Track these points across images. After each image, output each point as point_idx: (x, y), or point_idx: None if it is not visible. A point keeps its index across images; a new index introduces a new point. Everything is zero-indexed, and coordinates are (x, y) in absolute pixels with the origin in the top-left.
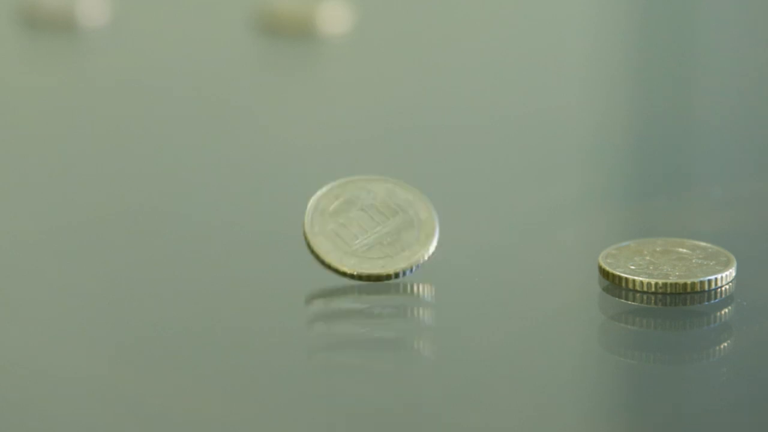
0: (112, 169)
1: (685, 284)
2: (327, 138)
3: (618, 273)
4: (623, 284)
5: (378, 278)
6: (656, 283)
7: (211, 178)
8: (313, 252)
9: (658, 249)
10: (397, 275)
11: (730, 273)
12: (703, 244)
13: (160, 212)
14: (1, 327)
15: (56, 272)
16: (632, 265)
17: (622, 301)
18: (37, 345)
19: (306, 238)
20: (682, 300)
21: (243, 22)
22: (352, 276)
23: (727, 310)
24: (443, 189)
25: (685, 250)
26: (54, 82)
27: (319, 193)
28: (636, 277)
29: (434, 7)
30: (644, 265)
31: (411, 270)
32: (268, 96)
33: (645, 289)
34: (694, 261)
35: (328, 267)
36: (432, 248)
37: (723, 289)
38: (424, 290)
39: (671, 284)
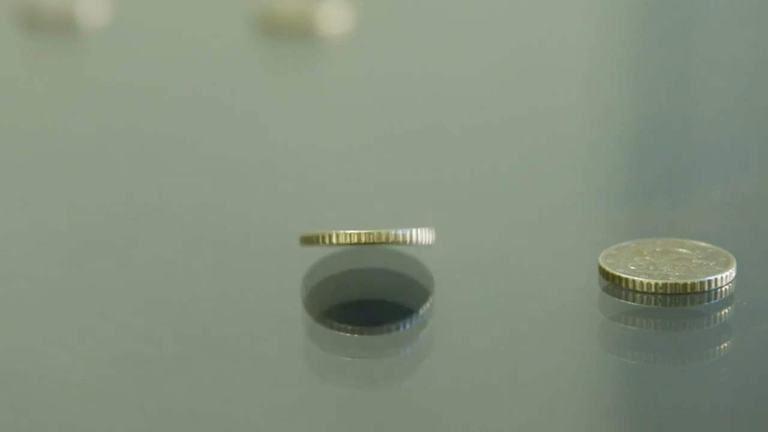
0: (112, 169)
1: (685, 284)
2: (327, 138)
3: (618, 273)
4: (623, 284)
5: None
6: (656, 284)
7: (210, 178)
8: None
9: (658, 249)
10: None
11: (730, 273)
12: (703, 244)
13: (159, 212)
14: (2, 328)
15: (55, 273)
16: (632, 266)
17: (622, 301)
18: (35, 346)
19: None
20: (682, 300)
21: (243, 22)
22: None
23: (727, 311)
24: (443, 189)
25: (685, 251)
26: (54, 82)
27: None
28: (636, 278)
29: (434, 7)
30: (644, 266)
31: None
32: (268, 96)
33: (645, 289)
34: (694, 261)
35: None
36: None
37: (723, 289)
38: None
39: (671, 284)
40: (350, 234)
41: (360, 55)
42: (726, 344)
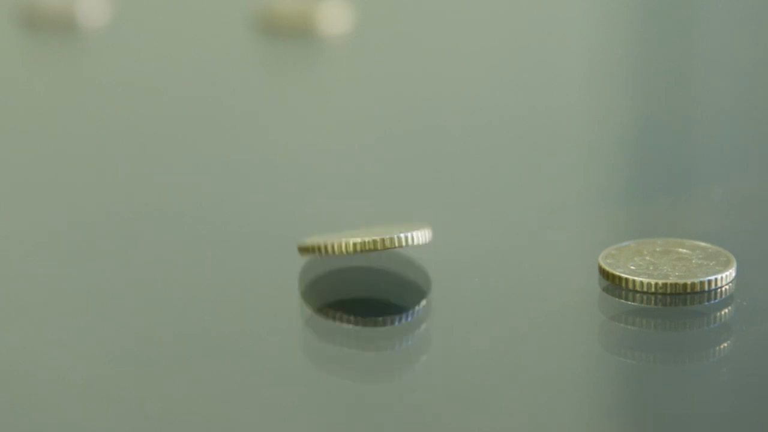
0: (112, 169)
1: (685, 284)
2: (327, 138)
3: (618, 273)
4: (623, 284)
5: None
6: (656, 283)
7: (210, 178)
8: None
9: (658, 249)
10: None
11: (730, 273)
12: (703, 244)
13: (159, 212)
14: (2, 328)
15: (55, 273)
16: (632, 266)
17: (622, 301)
18: (35, 346)
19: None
20: (682, 300)
21: (243, 22)
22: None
23: (727, 310)
24: (443, 189)
25: (685, 251)
26: (54, 82)
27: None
28: (636, 277)
29: (434, 7)
30: (644, 266)
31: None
32: (268, 96)
33: (645, 289)
34: (694, 261)
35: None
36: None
37: (723, 289)
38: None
39: (671, 284)
40: (346, 243)
41: (360, 55)
42: (726, 344)
